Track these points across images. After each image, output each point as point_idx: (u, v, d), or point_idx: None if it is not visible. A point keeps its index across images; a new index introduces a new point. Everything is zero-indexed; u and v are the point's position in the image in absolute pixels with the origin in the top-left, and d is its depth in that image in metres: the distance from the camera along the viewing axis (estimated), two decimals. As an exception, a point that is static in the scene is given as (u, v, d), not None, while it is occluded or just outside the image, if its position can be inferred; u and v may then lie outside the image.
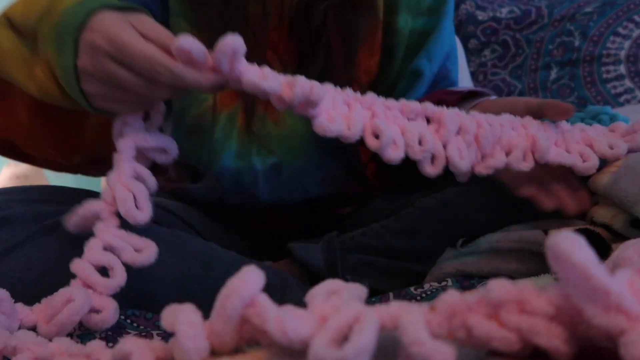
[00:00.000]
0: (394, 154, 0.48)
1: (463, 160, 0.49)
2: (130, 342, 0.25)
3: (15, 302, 0.48)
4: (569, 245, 0.19)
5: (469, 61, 1.28)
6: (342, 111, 0.49)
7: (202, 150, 0.69)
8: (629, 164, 0.51)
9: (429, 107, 0.51)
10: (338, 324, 0.21)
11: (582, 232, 0.50)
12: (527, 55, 1.19)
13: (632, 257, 0.29)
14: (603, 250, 0.48)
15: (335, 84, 0.53)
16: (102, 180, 1.16)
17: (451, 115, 0.50)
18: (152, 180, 0.51)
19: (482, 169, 0.50)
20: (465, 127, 0.50)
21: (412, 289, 0.52)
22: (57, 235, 0.51)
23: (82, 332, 0.45)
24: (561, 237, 0.19)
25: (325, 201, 0.74)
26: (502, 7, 1.27)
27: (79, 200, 0.57)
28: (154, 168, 0.84)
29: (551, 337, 0.20)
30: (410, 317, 0.21)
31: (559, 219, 0.56)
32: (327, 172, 0.71)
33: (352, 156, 0.72)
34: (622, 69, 0.98)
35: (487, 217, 0.60)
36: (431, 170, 0.49)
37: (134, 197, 0.48)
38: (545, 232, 0.52)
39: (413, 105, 0.51)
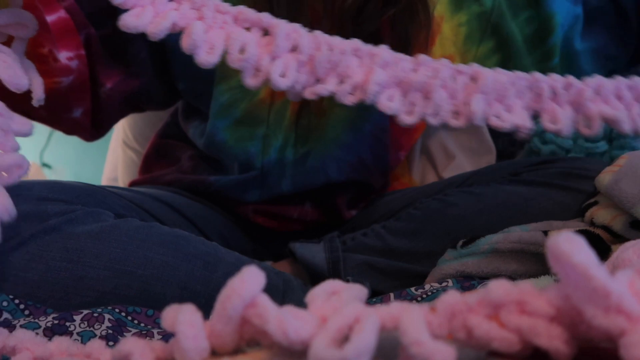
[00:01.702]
0: (205, 57, 0.44)
1: (284, 78, 0.45)
2: (130, 342, 0.25)
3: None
4: (569, 246, 0.19)
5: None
6: (164, 7, 0.45)
7: (251, 142, 0.70)
8: (631, 164, 0.51)
9: (266, 18, 0.47)
10: (338, 325, 0.21)
11: (582, 233, 0.50)
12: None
13: (631, 258, 0.29)
14: (603, 251, 0.48)
15: None
16: (104, 175, 1.16)
17: (285, 30, 0.46)
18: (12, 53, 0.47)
19: (308, 94, 0.47)
20: (300, 46, 0.46)
21: (412, 289, 0.52)
22: (62, 234, 0.51)
23: (82, 330, 0.45)
24: (561, 238, 0.20)
25: (342, 188, 0.74)
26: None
27: (84, 197, 0.57)
28: (167, 157, 0.84)
29: (551, 338, 0.20)
30: (410, 317, 0.21)
31: (559, 220, 0.56)
32: (356, 157, 0.72)
33: (382, 145, 0.73)
34: (622, 70, 0.98)
35: (488, 218, 0.61)
36: (251, 81, 0.46)
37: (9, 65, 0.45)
38: (545, 234, 0.52)
39: (249, 13, 0.47)
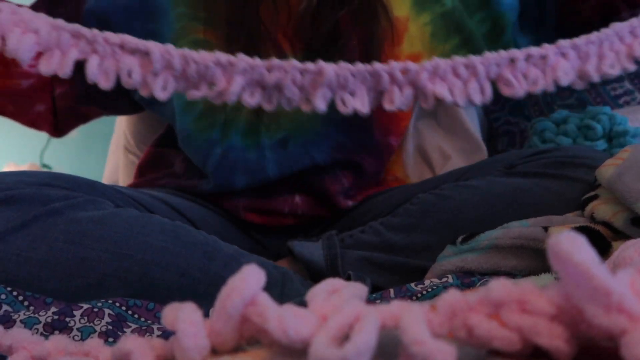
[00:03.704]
0: (103, 84, 0.49)
1: (165, 91, 0.51)
2: (130, 341, 0.25)
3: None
4: (570, 245, 0.19)
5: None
6: (66, 48, 0.49)
7: (213, 130, 0.72)
8: (635, 157, 0.51)
9: (142, 43, 0.51)
10: (339, 323, 0.21)
11: (582, 230, 0.50)
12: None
13: (632, 256, 0.29)
14: (603, 248, 0.48)
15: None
16: (104, 177, 1.16)
17: (158, 51, 0.51)
18: None
19: (190, 97, 0.52)
20: (172, 64, 0.51)
21: (412, 285, 0.52)
22: (64, 218, 0.52)
23: (82, 325, 0.45)
24: (562, 237, 0.19)
25: (332, 174, 0.75)
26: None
27: (85, 188, 0.58)
28: (160, 164, 0.86)
29: (552, 337, 0.20)
30: (411, 316, 0.21)
31: (556, 210, 0.57)
32: (335, 142, 0.74)
33: (362, 129, 0.74)
34: (621, 70, 0.98)
35: (484, 210, 0.61)
36: (143, 93, 0.50)
37: None
38: (545, 229, 0.52)
39: (130, 40, 0.51)
